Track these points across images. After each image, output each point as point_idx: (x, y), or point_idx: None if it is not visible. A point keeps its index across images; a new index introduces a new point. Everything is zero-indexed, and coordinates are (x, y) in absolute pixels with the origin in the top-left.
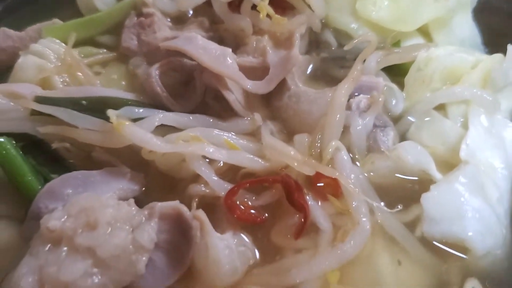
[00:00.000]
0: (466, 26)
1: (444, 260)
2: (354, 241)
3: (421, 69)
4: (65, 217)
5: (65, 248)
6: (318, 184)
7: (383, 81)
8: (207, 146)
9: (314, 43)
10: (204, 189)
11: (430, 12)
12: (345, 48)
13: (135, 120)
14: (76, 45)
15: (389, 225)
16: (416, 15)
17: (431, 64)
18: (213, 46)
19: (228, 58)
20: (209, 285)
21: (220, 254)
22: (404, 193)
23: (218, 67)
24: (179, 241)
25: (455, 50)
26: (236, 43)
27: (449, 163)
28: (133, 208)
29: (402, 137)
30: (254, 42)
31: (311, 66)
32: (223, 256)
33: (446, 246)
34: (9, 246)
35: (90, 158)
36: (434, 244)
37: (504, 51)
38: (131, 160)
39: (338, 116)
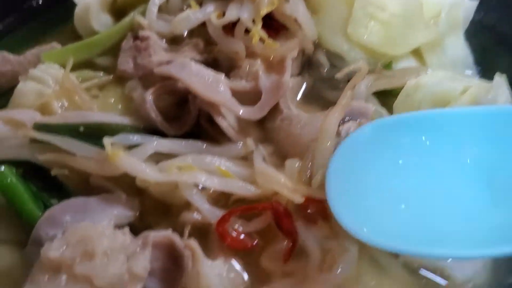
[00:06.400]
0: (458, 47)
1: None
2: (343, 267)
3: (410, 95)
4: (65, 246)
5: (65, 276)
6: (308, 210)
7: (372, 106)
8: (199, 174)
9: (306, 63)
10: (196, 216)
11: (421, 36)
12: (337, 76)
13: (131, 146)
14: (74, 67)
15: (375, 251)
16: (407, 40)
17: (420, 91)
18: (206, 72)
19: (220, 85)
20: None
21: (211, 281)
22: None
23: (210, 95)
24: (171, 268)
25: (444, 77)
26: (230, 65)
27: None
28: (128, 238)
29: None
30: (247, 66)
31: (304, 86)
32: (213, 284)
33: (428, 272)
34: (11, 271)
35: (88, 183)
36: (417, 270)
37: (495, 70)
38: (128, 184)
39: (328, 143)
